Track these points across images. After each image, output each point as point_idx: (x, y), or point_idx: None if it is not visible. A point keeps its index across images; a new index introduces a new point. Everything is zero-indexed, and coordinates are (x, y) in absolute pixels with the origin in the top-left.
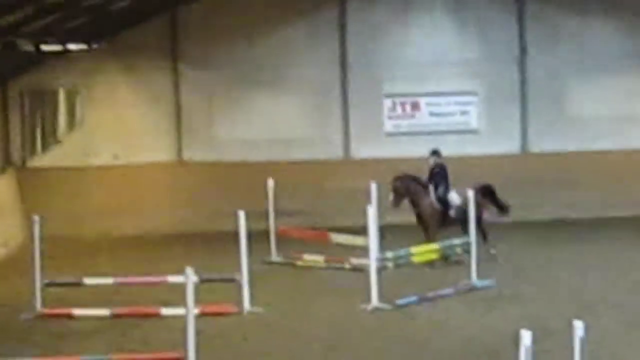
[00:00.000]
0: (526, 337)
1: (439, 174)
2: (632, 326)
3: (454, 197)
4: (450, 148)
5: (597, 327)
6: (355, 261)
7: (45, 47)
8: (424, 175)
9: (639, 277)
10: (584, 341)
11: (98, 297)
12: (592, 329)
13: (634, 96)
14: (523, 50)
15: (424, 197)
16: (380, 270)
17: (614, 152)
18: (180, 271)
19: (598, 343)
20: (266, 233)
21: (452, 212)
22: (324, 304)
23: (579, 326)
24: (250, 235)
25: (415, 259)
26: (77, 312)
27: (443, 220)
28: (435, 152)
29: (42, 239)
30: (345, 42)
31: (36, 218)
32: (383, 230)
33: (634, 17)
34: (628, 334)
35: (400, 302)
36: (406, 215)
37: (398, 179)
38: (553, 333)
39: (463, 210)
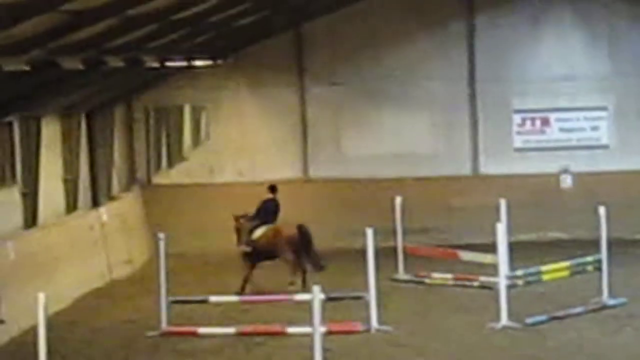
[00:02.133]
0: None
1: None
2: None
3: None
4: (580, 164)
5: None
6: (484, 279)
7: (170, 63)
8: None
9: None
10: None
11: (224, 314)
12: None
13: None
14: None
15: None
16: (510, 288)
17: None
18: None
19: None
20: (393, 250)
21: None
22: (452, 322)
23: None
24: (377, 253)
25: (545, 277)
26: (203, 330)
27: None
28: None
29: (167, 256)
30: (473, 57)
31: (161, 235)
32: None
33: None
34: None
35: (530, 320)
36: (537, 233)
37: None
38: None
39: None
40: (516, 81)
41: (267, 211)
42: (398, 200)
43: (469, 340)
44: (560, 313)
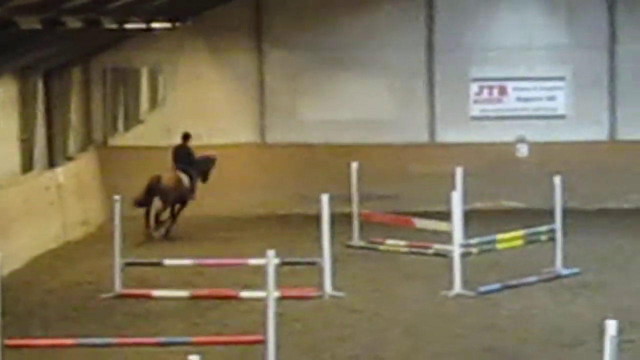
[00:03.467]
0: (611, 327)
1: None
2: None
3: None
4: (537, 134)
5: None
6: (438, 247)
7: (129, 25)
8: None
9: None
10: None
11: (178, 278)
12: None
13: None
14: (613, 36)
15: None
16: (464, 256)
17: None
18: (262, 253)
19: None
20: (349, 217)
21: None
22: (406, 289)
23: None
24: (333, 219)
25: (500, 246)
26: (156, 293)
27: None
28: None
29: (122, 218)
30: (432, 25)
31: (117, 197)
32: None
33: None
34: None
35: (483, 289)
36: (493, 202)
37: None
38: (637, 324)
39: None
40: (474, 50)
41: (178, 158)
42: (354, 166)
43: (421, 307)
44: (514, 282)
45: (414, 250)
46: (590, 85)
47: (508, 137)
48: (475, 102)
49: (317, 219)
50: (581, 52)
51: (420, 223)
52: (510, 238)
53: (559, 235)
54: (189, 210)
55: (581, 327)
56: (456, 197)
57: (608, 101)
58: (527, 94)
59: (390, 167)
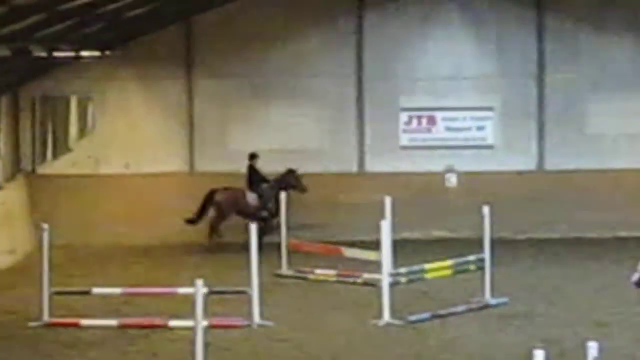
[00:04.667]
0: (539, 356)
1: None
2: None
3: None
4: (465, 163)
5: (611, 347)
6: (367, 276)
7: (58, 54)
8: None
9: None
10: None
11: (107, 307)
12: (607, 349)
13: None
14: (541, 66)
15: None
16: (393, 285)
17: (632, 170)
18: (190, 282)
19: None
20: (278, 246)
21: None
22: (335, 318)
23: (593, 346)
24: (261, 248)
25: (428, 275)
26: (85, 322)
27: None
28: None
29: (51, 247)
30: (361, 55)
31: (45, 226)
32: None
33: None
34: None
35: (412, 318)
36: (422, 231)
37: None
38: (567, 353)
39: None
40: (404, 79)
41: (249, 178)
42: (283, 195)
43: (350, 337)
44: (443, 311)
45: (342, 279)
46: (518, 115)
47: (437, 167)
48: (405, 131)
49: (245, 248)
50: (510, 82)
51: (349, 252)
52: (439, 267)
53: (487, 265)
54: (118, 238)
55: (510, 357)
56: (385, 227)
57: (536, 131)
58: (456, 124)
59: (319, 197)
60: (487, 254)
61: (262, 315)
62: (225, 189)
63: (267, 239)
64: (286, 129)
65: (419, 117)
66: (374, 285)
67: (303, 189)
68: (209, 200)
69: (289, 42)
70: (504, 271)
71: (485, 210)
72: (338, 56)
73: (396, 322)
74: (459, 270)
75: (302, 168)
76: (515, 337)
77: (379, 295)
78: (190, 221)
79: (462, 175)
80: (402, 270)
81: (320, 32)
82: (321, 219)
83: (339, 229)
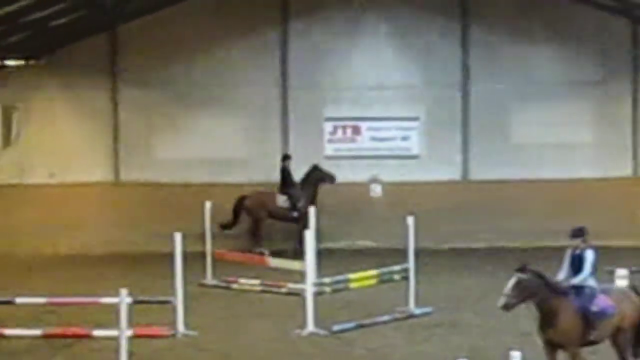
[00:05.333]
0: (516, 357)
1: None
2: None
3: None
4: (390, 173)
5: (535, 357)
6: (292, 286)
7: None
8: None
9: None
10: None
11: (30, 316)
12: (531, 359)
13: (576, 124)
14: (466, 77)
15: None
16: (317, 295)
17: (556, 180)
18: (115, 292)
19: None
20: (203, 255)
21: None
22: (259, 328)
23: (516, 356)
24: (186, 258)
25: (353, 285)
26: (9, 331)
27: None
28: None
29: None
30: (286, 64)
31: None
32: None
33: (577, 44)
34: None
35: (336, 328)
36: (347, 241)
37: None
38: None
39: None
40: (329, 89)
41: (281, 178)
42: (208, 205)
43: (274, 346)
44: (367, 321)
45: (267, 289)
46: (443, 125)
47: (362, 177)
48: (330, 141)
49: (170, 257)
50: (435, 92)
51: (273, 262)
52: (363, 277)
53: (412, 275)
54: (42, 248)
55: None
56: (309, 236)
57: (461, 141)
58: (381, 134)
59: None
60: (411, 264)
61: (186, 325)
62: (256, 193)
63: (196, 247)
64: (211, 138)
65: (344, 127)
66: (299, 294)
67: (332, 179)
68: (239, 206)
69: (214, 51)
70: (428, 281)
71: (410, 220)
72: (263, 66)
73: (320, 331)
74: (383, 280)
75: (226, 177)
76: (440, 347)
77: (303, 305)
78: (224, 226)
79: (386, 185)
80: (327, 280)
81: (245, 41)
82: (246, 229)
83: (265, 239)
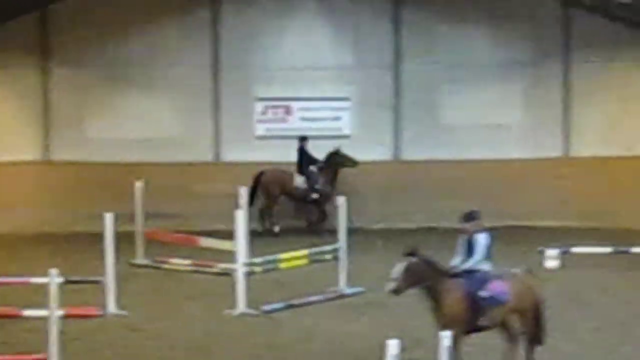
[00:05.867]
0: (393, 346)
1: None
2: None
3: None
4: (321, 153)
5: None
6: (222, 266)
7: None
8: None
9: None
10: (450, 351)
11: None
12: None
13: (507, 105)
14: (397, 57)
15: None
16: (248, 275)
17: (487, 160)
18: (45, 272)
19: (466, 353)
20: (133, 235)
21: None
22: (190, 308)
23: (446, 336)
24: (117, 238)
25: (284, 265)
26: None
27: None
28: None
29: None
30: (217, 44)
31: None
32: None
33: (509, 27)
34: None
35: (267, 308)
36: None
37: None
38: (422, 342)
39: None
40: (260, 69)
41: (298, 159)
42: (138, 184)
43: (205, 326)
44: (298, 301)
45: (198, 269)
46: (375, 106)
47: (293, 157)
48: (260, 121)
49: (101, 237)
50: (366, 73)
51: (204, 242)
52: (294, 257)
53: (343, 255)
54: None
55: (365, 346)
56: (240, 216)
57: (392, 121)
58: (312, 114)
59: (175, 186)
60: (342, 244)
61: (117, 305)
62: (274, 170)
63: (127, 227)
64: (143, 117)
65: (275, 107)
66: (229, 274)
67: (354, 163)
68: (257, 182)
69: (145, 31)
70: (359, 261)
71: (341, 200)
72: (194, 46)
73: (251, 311)
74: (314, 260)
75: (158, 157)
76: (371, 327)
77: (234, 285)
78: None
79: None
80: (257, 260)
81: (176, 21)
82: (177, 209)
83: (195, 219)
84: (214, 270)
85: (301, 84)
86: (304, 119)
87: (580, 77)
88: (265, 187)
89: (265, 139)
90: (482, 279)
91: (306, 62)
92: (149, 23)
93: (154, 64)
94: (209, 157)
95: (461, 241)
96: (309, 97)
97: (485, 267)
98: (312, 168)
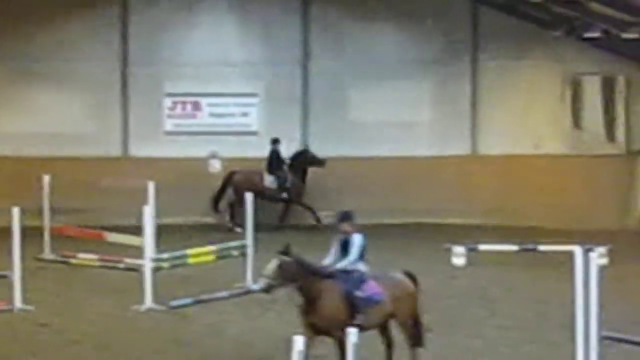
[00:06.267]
0: (299, 342)
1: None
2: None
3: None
4: (230, 149)
5: (373, 332)
6: (130, 261)
7: None
8: None
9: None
10: (357, 347)
11: None
12: (368, 335)
13: (416, 103)
14: (306, 54)
15: None
16: (155, 271)
17: (394, 158)
18: None
19: (371, 348)
20: (40, 230)
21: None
22: (97, 303)
23: (352, 332)
24: (24, 232)
25: (191, 261)
26: None
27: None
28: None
29: None
30: (127, 39)
31: None
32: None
33: (418, 24)
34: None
35: (174, 303)
36: (186, 217)
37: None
38: (326, 339)
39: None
40: (169, 65)
41: (269, 160)
42: (46, 179)
43: (112, 322)
44: (205, 296)
45: (105, 264)
46: (283, 102)
47: (201, 153)
48: (169, 117)
49: (8, 231)
50: (275, 69)
51: (112, 237)
52: (201, 253)
53: (250, 251)
54: None
55: (271, 342)
56: (148, 212)
57: (300, 117)
58: (220, 110)
59: (83, 181)
60: (249, 240)
61: (23, 300)
62: (246, 170)
63: (35, 222)
64: (51, 112)
65: (184, 103)
66: (137, 270)
67: (322, 162)
68: (228, 181)
69: (54, 25)
70: (266, 257)
71: (249, 196)
72: (103, 40)
73: (158, 307)
74: (221, 256)
75: (66, 152)
76: (277, 323)
77: (141, 281)
78: (215, 203)
79: (226, 161)
80: (165, 255)
81: (85, 16)
82: (84, 204)
83: (103, 214)
84: (122, 265)
85: (210, 80)
86: (212, 114)
87: (488, 75)
88: (236, 187)
89: (173, 135)
90: (358, 279)
91: (215, 58)
92: (58, 18)
93: (62, 59)
94: (117, 152)
95: (336, 241)
96: (217, 92)
97: (361, 267)
98: (284, 167)
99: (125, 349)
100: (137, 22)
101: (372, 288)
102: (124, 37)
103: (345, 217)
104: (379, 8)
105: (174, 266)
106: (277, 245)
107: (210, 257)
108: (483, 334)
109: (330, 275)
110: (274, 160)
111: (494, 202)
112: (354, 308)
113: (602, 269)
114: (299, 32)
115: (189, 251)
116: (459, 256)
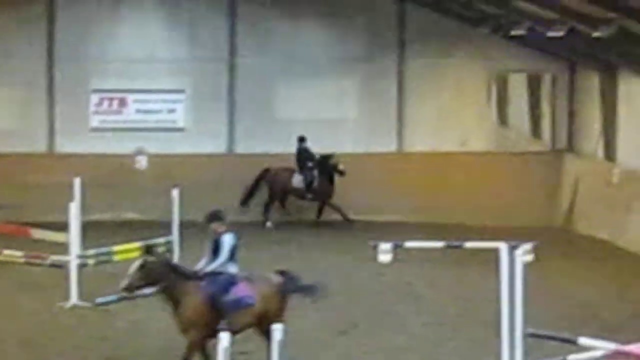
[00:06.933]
0: (225, 338)
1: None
2: (334, 329)
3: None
4: (156, 146)
5: (297, 329)
6: (55, 258)
7: None
8: None
9: (344, 281)
10: (282, 344)
11: None
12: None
13: (342, 100)
14: (232, 51)
15: None
16: (81, 267)
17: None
18: None
19: (298, 345)
20: None
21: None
22: (22, 300)
23: (278, 328)
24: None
25: (117, 257)
26: None
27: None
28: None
29: None
30: (53, 35)
31: None
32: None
33: (344, 21)
34: (331, 337)
35: (100, 300)
36: (112, 213)
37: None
38: (251, 336)
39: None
40: (95, 61)
41: (298, 158)
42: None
43: (38, 319)
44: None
45: (30, 260)
46: (210, 98)
47: (127, 149)
48: (95, 113)
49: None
50: (201, 65)
51: (37, 233)
52: (128, 249)
53: (176, 247)
54: None
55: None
56: (74, 208)
57: (227, 114)
58: (147, 106)
59: (8, 177)
60: (175, 237)
61: None
62: (279, 168)
63: None
64: None
65: (110, 99)
66: (62, 267)
67: (342, 173)
68: (261, 177)
69: None
70: (192, 253)
71: (175, 192)
72: (29, 37)
73: (83, 304)
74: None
75: None
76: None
77: (67, 277)
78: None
79: (152, 158)
80: (91, 252)
81: (11, 12)
82: (10, 200)
83: (28, 210)
84: (47, 262)
85: (136, 76)
86: (139, 111)
87: (414, 72)
88: (269, 184)
89: (99, 131)
90: (226, 282)
91: (142, 55)
92: None
93: None
94: (43, 148)
95: (209, 242)
96: (144, 89)
97: (232, 269)
98: (310, 165)
99: (50, 346)
100: (63, 18)
101: (241, 290)
102: (50, 33)
103: (214, 217)
104: (305, 5)
105: (99, 263)
106: (202, 242)
107: (137, 254)
108: (408, 330)
109: (195, 277)
110: (303, 158)
111: (420, 200)
112: (218, 312)
113: (527, 265)
114: (226, 29)
115: (115, 247)
116: (385, 253)
